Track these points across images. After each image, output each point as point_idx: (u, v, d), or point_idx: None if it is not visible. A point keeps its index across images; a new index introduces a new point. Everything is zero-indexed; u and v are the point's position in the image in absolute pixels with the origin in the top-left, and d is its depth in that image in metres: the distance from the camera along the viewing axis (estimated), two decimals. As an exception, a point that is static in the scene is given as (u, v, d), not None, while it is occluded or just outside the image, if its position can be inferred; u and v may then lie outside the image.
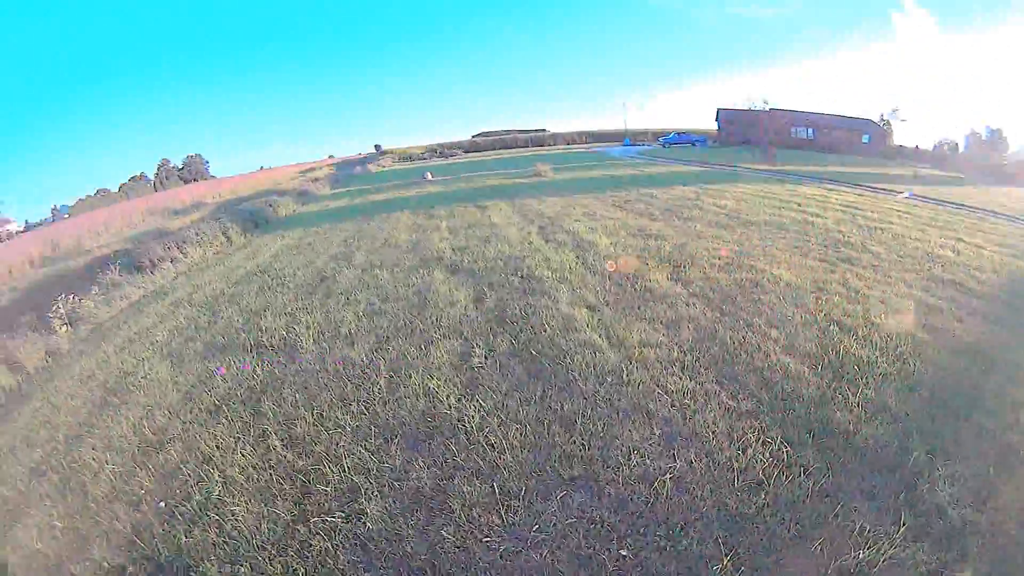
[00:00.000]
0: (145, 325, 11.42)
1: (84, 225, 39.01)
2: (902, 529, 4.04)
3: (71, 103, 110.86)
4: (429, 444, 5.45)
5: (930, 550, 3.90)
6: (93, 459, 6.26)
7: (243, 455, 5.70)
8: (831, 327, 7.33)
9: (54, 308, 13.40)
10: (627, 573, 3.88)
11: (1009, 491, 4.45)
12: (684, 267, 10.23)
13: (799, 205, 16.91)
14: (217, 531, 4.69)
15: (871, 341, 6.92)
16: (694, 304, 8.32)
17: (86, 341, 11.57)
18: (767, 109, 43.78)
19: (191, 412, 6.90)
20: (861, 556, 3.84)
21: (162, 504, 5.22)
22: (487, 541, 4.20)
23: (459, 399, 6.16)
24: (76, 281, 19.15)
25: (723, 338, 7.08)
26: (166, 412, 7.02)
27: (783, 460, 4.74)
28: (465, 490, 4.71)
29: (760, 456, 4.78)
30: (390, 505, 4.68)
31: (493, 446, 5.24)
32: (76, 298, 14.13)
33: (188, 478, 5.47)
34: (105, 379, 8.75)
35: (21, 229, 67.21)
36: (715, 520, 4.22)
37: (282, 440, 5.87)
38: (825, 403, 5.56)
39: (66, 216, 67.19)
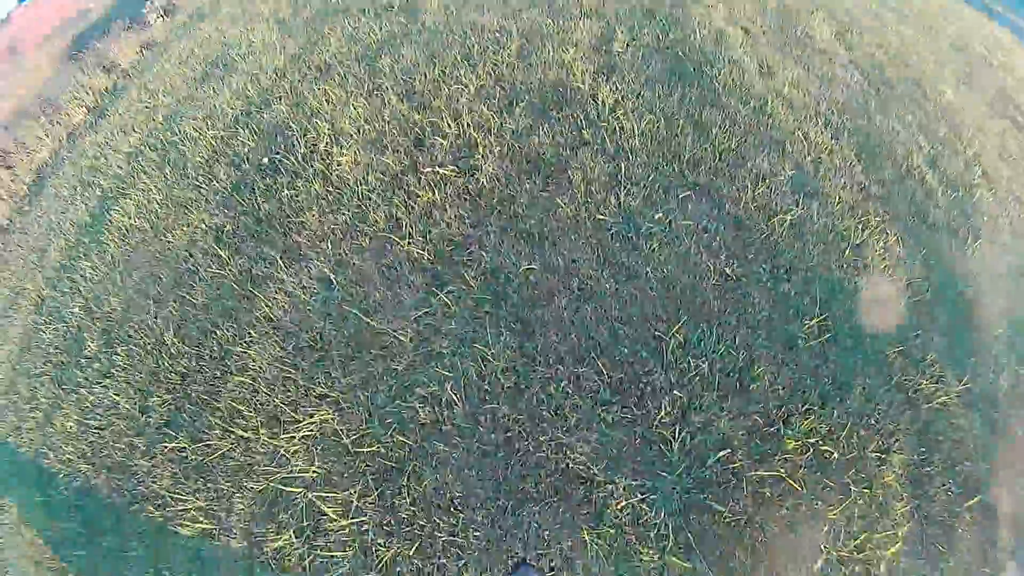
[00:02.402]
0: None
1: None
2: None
3: None
4: (557, 113, 5.17)
5: None
6: (193, 128, 6.43)
7: (355, 108, 5.59)
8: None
9: (148, 2, 13.50)
10: (726, 291, 3.92)
11: None
12: (851, 32, 9.08)
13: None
14: (322, 181, 4.78)
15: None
16: (852, 72, 7.46)
17: (184, 27, 11.53)
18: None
19: (299, 72, 6.78)
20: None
21: (265, 160, 5.32)
22: (601, 219, 4.13)
23: (594, 77, 5.73)
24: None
25: (873, 118, 6.40)
26: (272, 75, 6.95)
27: (893, 255, 4.49)
28: (588, 164, 4.56)
29: (873, 243, 4.50)
30: (507, 166, 4.59)
31: (624, 129, 4.94)
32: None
33: (294, 133, 5.49)
34: (206, 55, 8.76)
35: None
36: (816, 278, 4.14)
37: (398, 95, 5.67)
38: (950, 220, 5.13)
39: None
